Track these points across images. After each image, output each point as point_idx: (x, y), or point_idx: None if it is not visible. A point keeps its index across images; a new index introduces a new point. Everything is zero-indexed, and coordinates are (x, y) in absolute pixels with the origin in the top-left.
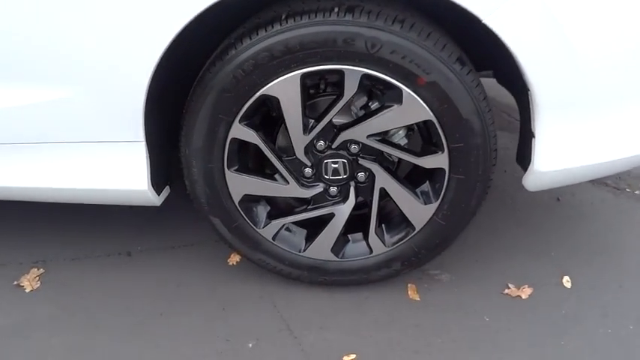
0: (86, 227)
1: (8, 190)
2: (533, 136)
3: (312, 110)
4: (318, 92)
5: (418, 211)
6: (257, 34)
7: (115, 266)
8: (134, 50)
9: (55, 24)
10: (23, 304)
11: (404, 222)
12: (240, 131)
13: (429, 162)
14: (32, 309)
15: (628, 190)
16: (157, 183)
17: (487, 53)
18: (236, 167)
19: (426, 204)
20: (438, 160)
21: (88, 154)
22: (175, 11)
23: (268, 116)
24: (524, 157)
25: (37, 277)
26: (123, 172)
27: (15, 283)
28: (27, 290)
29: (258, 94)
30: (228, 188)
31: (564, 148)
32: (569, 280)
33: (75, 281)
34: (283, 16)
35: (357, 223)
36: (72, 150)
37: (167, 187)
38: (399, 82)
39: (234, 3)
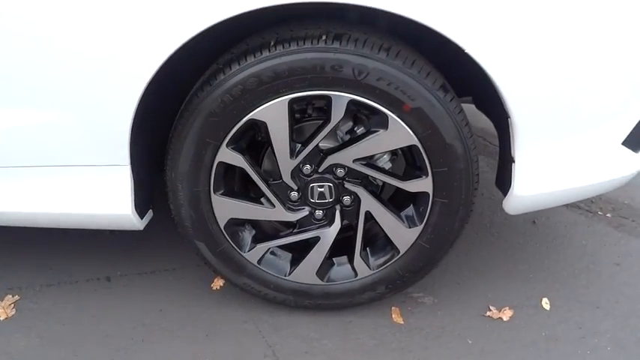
0: (63, 251)
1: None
2: (513, 161)
3: (298, 135)
4: (305, 117)
5: (402, 234)
6: (246, 60)
7: (93, 292)
8: (122, 75)
9: (41, 47)
10: None
11: (388, 245)
12: (227, 155)
13: (413, 186)
14: (7, 338)
15: (600, 213)
16: (140, 207)
17: (467, 80)
18: (222, 191)
19: (410, 227)
20: (422, 184)
21: (70, 178)
22: (164, 38)
23: (254, 140)
24: (503, 181)
25: (12, 305)
26: (106, 195)
27: None
28: (1, 318)
29: (245, 118)
30: (213, 212)
31: (544, 172)
32: (547, 302)
33: (52, 308)
34: (272, 43)
35: (341, 246)
36: (55, 174)
37: (150, 211)
38: (385, 107)
39: (222, 30)
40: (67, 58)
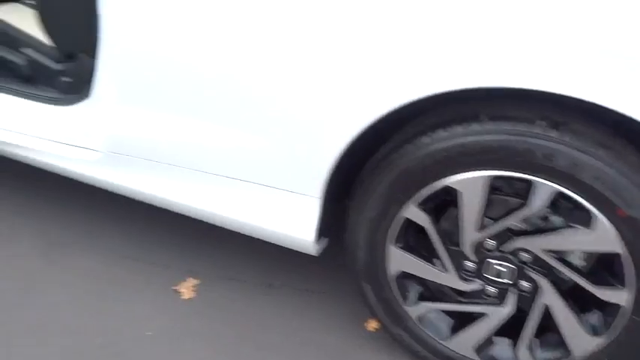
0: (235, 250)
1: (201, 211)
2: None
3: (489, 207)
4: (500, 190)
5: (581, 340)
6: (452, 128)
7: (257, 295)
8: (344, 115)
9: (266, 81)
10: (179, 311)
11: (561, 346)
12: (414, 213)
13: (606, 294)
14: (187, 318)
15: None
16: (319, 234)
17: None
18: (400, 244)
19: (592, 335)
20: (619, 296)
21: (264, 195)
22: (381, 99)
23: (439, 199)
24: None
25: (194, 287)
26: (292, 219)
27: (174, 287)
28: (184, 297)
29: (441, 184)
30: (387, 261)
31: None
32: None
33: (224, 301)
34: (484, 117)
35: (507, 325)
36: (254, 189)
37: (326, 239)
38: (594, 206)
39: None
40: (286, 96)
